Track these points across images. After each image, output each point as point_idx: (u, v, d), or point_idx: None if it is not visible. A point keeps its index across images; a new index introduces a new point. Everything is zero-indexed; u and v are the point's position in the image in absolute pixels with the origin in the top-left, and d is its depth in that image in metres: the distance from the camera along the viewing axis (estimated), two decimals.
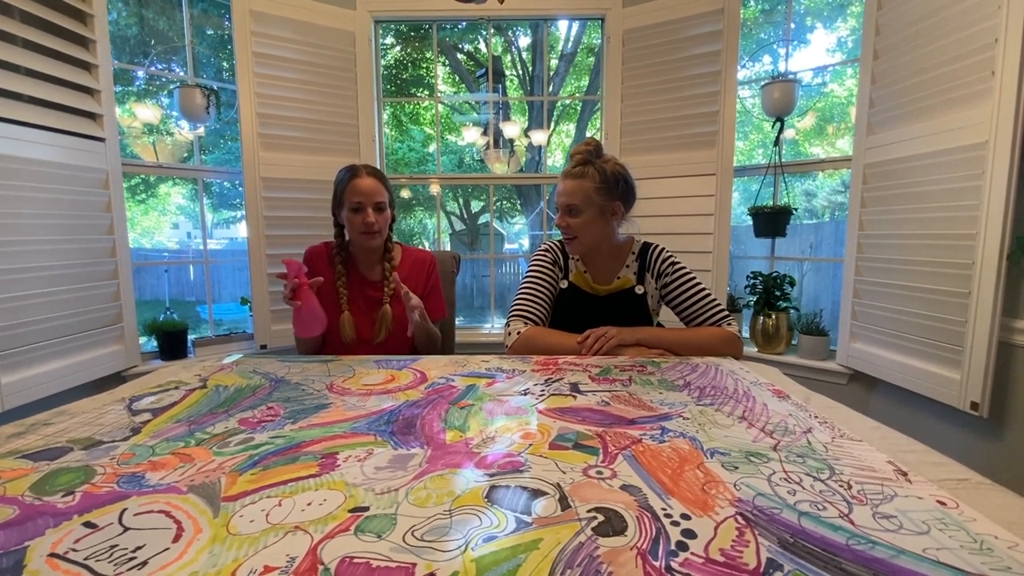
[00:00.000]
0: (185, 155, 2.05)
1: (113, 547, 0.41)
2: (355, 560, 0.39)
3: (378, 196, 1.24)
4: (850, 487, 0.51)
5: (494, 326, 2.25)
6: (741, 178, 2.05)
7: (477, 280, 8.52)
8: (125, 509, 0.47)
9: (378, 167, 1.32)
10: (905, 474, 0.54)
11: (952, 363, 1.26)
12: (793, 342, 1.82)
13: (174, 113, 1.91)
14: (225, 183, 7.53)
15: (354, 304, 1.29)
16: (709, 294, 1.20)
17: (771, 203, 1.82)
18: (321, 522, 0.45)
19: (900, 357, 1.43)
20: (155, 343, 1.76)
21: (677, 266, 1.24)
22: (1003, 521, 0.45)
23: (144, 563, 0.39)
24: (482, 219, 11.44)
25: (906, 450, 0.63)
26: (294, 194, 1.90)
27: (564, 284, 1.29)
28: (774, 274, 1.82)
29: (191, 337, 1.83)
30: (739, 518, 0.45)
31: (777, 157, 1.85)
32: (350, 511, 0.47)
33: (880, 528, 0.44)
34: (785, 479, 0.53)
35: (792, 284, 1.79)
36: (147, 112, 2.03)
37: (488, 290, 6.11)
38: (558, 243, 1.33)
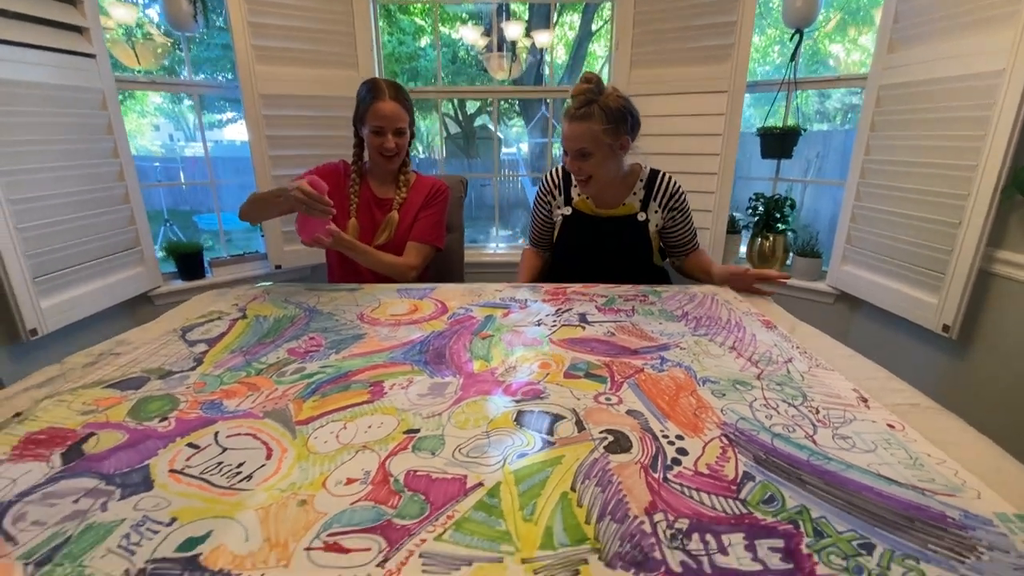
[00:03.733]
0: (167, 62, 1.95)
1: (220, 463, 0.51)
2: (417, 473, 0.50)
3: (399, 121, 1.23)
4: (817, 412, 0.61)
5: (498, 246, 2.31)
6: (751, 93, 1.99)
7: (475, 190, 8.38)
8: (217, 432, 0.57)
9: (399, 84, 1.27)
10: (866, 400, 0.64)
11: (932, 288, 1.35)
12: (788, 263, 1.90)
13: (157, 16, 1.79)
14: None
15: (361, 215, 1.33)
16: (694, 227, 1.36)
17: (781, 124, 1.79)
18: (383, 442, 0.55)
19: (885, 281, 1.52)
20: (173, 265, 1.83)
21: (685, 200, 1.30)
22: (940, 441, 0.55)
23: (249, 476, 0.49)
24: (478, 121, 10.97)
25: (871, 376, 0.73)
26: (295, 111, 1.85)
27: (567, 211, 1.33)
28: (776, 196, 1.85)
29: (207, 257, 1.89)
30: (723, 439, 0.56)
31: (792, 73, 1.79)
32: (404, 432, 0.57)
33: (836, 447, 0.54)
34: (764, 405, 0.63)
35: (792, 207, 1.83)
36: (122, 12, 1.89)
37: (487, 201, 6.04)
38: (558, 171, 1.35)
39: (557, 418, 0.59)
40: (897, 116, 1.48)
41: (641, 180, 1.29)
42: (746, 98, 1.79)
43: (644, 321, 0.92)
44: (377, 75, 1.96)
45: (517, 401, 0.63)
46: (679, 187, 1.29)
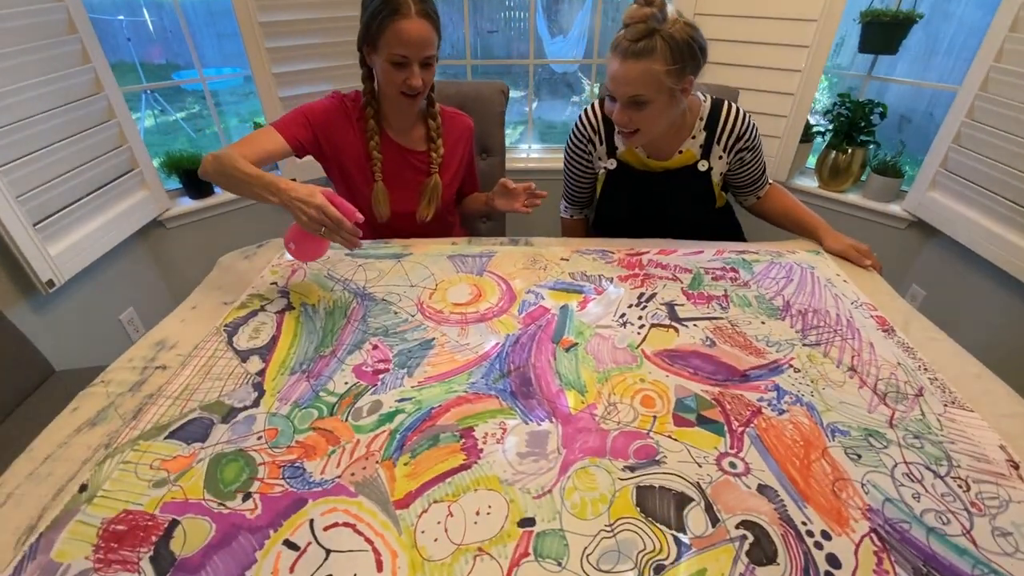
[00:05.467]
0: None
1: None
2: None
3: (428, 48, 0.91)
4: (968, 488, 0.55)
5: (531, 148, 2.06)
6: None
7: (482, 38, 7.37)
8: (312, 520, 0.52)
9: None
10: (1017, 467, 0.58)
11: None
12: (862, 178, 1.69)
13: None
14: None
15: (388, 175, 1.07)
16: (764, 159, 1.11)
17: (892, 9, 1.44)
18: (499, 541, 0.50)
19: (978, 216, 1.35)
20: (177, 180, 1.64)
21: (756, 136, 1.04)
22: None
23: None
24: None
25: (1008, 412, 0.66)
26: None
27: (611, 165, 1.08)
28: (866, 102, 1.57)
29: None
30: (874, 538, 0.50)
31: None
32: (519, 524, 0.51)
33: (999, 551, 0.49)
34: (907, 475, 0.56)
35: (883, 115, 1.57)
36: None
37: (495, 54, 5.39)
38: (596, 112, 1.06)
39: (683, 499, 0.54)
40: None
41: (701, 119, 1.01)
42: None
43: (743, 318, 0.82)
44: None
45: (632, 469, 0.57)
46: (748, 121, 1.02)
